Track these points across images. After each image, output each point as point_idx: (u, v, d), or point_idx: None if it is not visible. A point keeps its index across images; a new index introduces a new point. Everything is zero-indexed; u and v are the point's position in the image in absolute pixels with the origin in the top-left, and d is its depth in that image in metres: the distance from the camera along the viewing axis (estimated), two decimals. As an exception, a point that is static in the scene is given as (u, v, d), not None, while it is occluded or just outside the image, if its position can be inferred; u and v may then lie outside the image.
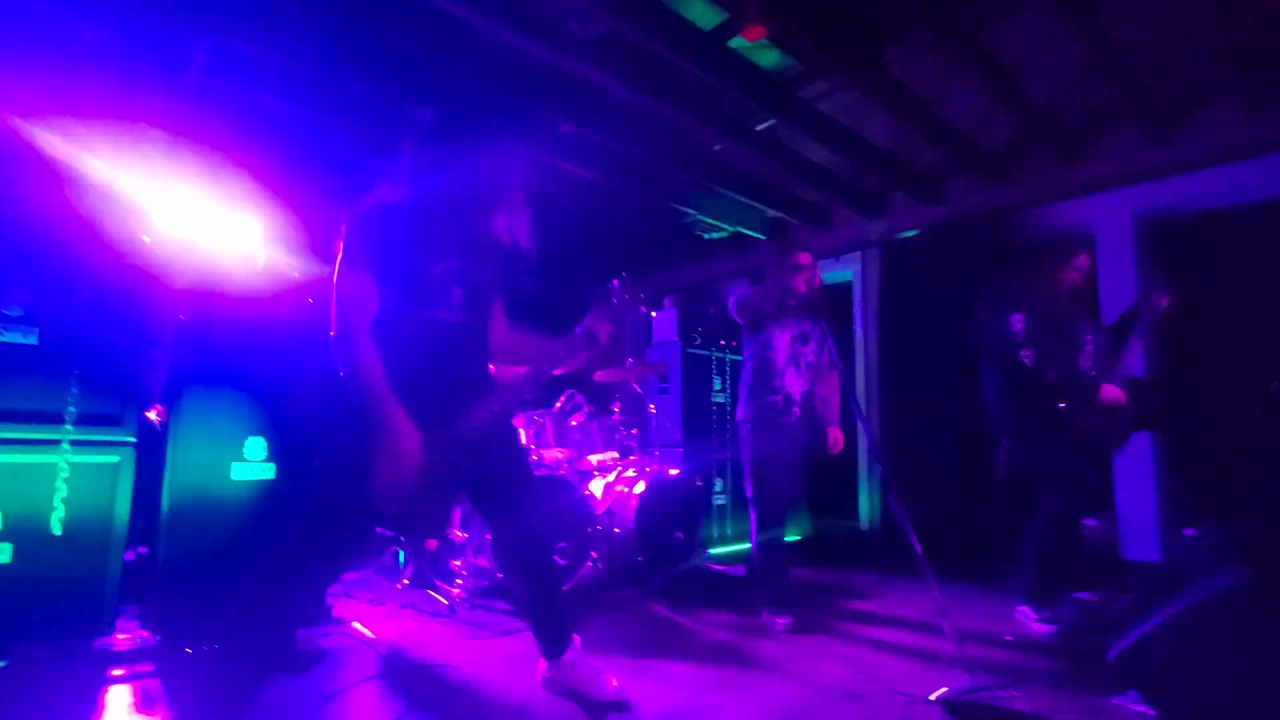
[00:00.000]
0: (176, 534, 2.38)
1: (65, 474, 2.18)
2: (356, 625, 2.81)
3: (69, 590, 2.16)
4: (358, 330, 1.75)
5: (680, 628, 2.92)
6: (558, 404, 3.96)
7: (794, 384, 2.98)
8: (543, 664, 2.10)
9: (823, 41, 3.01)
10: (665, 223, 5.75)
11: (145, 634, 2.36)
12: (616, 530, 3.58)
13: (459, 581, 3.14)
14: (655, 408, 4.42)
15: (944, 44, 3.06)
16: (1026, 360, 2.70)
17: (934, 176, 4.67)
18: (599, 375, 4.06)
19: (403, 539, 3.37)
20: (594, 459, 3.91)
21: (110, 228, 2.39)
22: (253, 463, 2.56)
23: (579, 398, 4.00)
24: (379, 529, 2.94)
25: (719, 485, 4.91)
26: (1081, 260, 2.98)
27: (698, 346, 5.04)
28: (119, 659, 2.24)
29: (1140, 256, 4.15)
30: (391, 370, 1.75)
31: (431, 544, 3.35)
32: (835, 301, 2.95)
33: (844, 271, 5.44)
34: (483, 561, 3.21)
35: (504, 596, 3.22)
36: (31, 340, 2.15)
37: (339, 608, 2.94)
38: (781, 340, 2.99)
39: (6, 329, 2.11)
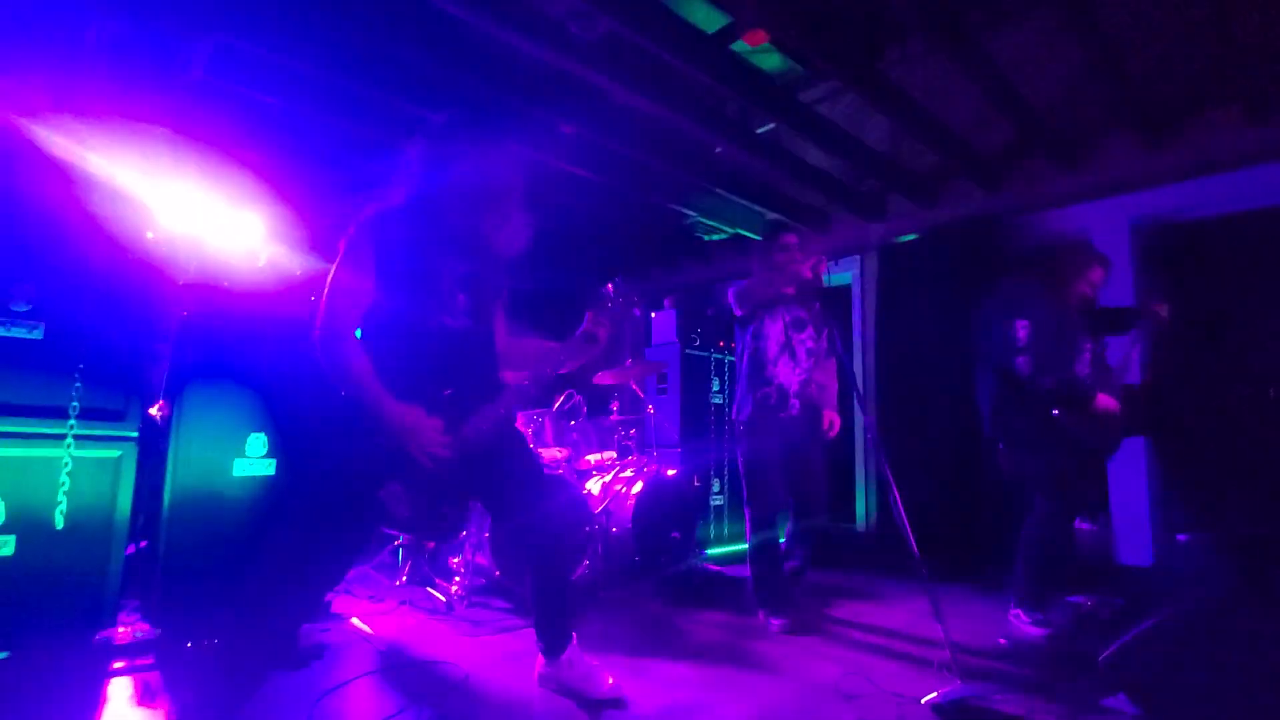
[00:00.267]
0: (177, 529, 2.40)
1: (69, 468, 2.20)
2: (355, 621, 2.83)
3: (71, 583, 2.18)
4: (344, 328, 1.76)
5: (676, 627, 2.94)
6: (556, 403, 3.98)
7: (788, 374, 2.87)
8: (540, 661, 2.13)
9: (823, 46, 3.03)
10: (665, 224, 5.77)
11: (146, 627, 2.38)
12: (614, 530, 3.60)
13: (457, 579, 3.16)
14: (654, 408, 4.45)
15: (943, 49, 3.08)
16: (1023, 367, 2.72)
17: (932, 181, 4.69)
18: (598, 376, 4.08)
19: (413, 539, 3.38)
20: (592, 458, 3.93)
21: (115, 224, 2.41)
22: (253, 459, 2.58)
23: (578, 397, 4.02)
24: (393, 531, 2.96)
25: (716, 486, 4.93)
26: (1096, 273, 2.96)
27: (696, 348, 5.06)
28: (120, 652, 2.26)
29: (1137, 263, 4.18)
30: (398, 377, 1.77)
31: (429, 542, 3.38)
32: (834, 304, 2.91)
33: (843, 274, 5.46)
34: (481, 559, 3.23)
35: (501, 594, 3.24)
36: (37, 335, 2.17)
37: (338, 603, 2.97)
38: (773, 329, 2.90)
39: (13, 324, 2.13)
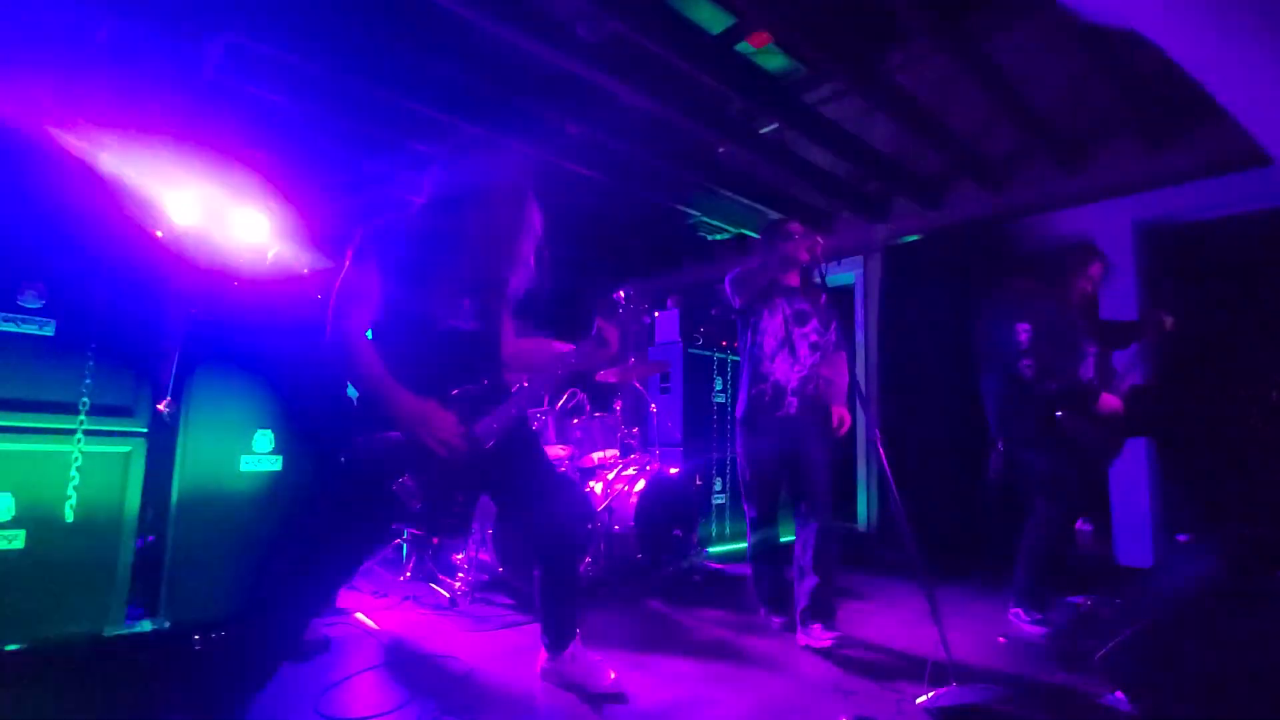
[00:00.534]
0: (185, 524, 2.42)
1: (79, 463, 2.23)
2: (360, 616, 2.86)
3: (80, 577, 2.21)
4: (354, 329, 1.79)
5: (677, 624, 2.96)
6: (560, 402, 4.00)
7: (785, 371, 2.74)
8: (543, 656, 2.15)
9: (827, 47, 3.04)
10: (668, 224, 5.79)
11: (153, 621, 2.41)
12: (616, 528, 3.62)
13: (460, 575, 3.19)
14: (656, 407, 4.47)
15: (947, 51, 3.08)
16: (1026, 371, 2.73)
17: (936, 182, 4.70)
18: (601, 375, 4.10)
19: (421, 535, 3.41)
20: (595, 457, 3.95)
21: (126, 223, 2.44)
22: (260, 455, 2.60)
23: (581, 396, 4.04)
24: (404, 526, 2.98)
25: (718, 484, 4.96)
26: (1095, 268, 2.98)
27: (699, 347, 5.08)
28: (128, 645, 2.28)
29: (1140, 264, 4.18)
30: (406, 378, 1.79)
31: (437, 538, 3.40)
32: (836, 304, 2.90)
33: (846, 275, 5.48)
34: (484, 555, 3.26)
35: (505, 590, 3.27)
36: (49, 331, 2.20)
37: (342, 598, 2.99)
38: (771, 324, 2.77)
39: (25, 320, 2.16)
